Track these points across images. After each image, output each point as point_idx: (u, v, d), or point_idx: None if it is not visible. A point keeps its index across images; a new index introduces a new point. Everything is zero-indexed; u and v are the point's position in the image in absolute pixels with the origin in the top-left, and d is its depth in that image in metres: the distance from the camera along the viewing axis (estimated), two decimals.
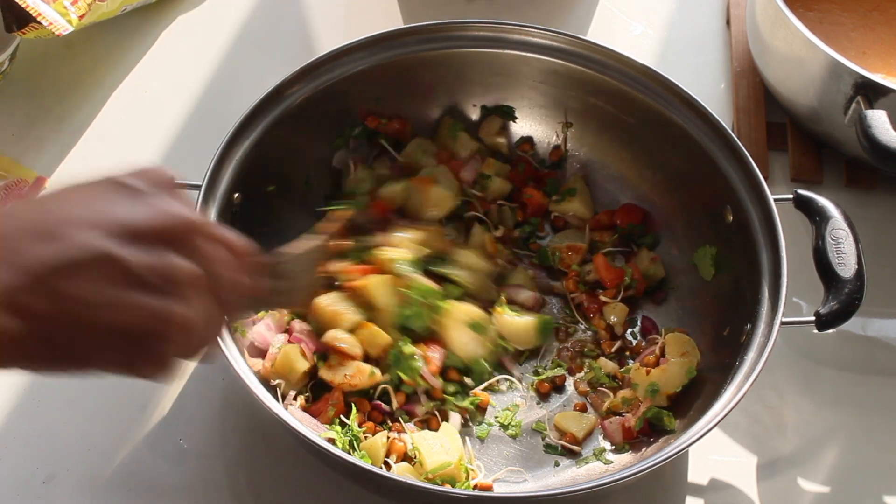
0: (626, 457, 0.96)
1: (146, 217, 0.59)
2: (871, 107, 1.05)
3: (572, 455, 0.98)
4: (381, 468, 0.91)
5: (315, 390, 0.98)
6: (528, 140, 1.15)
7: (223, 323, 0.65)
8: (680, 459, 0.99)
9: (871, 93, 1.06)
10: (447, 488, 0.90)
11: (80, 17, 1.15)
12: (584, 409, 1.01)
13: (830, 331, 1.06)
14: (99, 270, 0.56)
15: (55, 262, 0.56)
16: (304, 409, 0.96)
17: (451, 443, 0.94)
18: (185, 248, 0.60)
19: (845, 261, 0.94)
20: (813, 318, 0.93)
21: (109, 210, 0.59)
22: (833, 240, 0.95)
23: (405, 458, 0.95)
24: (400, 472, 0.92)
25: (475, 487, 0.94)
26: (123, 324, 0.57)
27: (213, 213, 0.95)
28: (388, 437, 0.95)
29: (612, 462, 0.97)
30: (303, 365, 0.96)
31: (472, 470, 0.95)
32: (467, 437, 0.98)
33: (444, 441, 0.94)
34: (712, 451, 1.00)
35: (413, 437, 0.94)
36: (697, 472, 0.99)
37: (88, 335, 0.57)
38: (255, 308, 0.95)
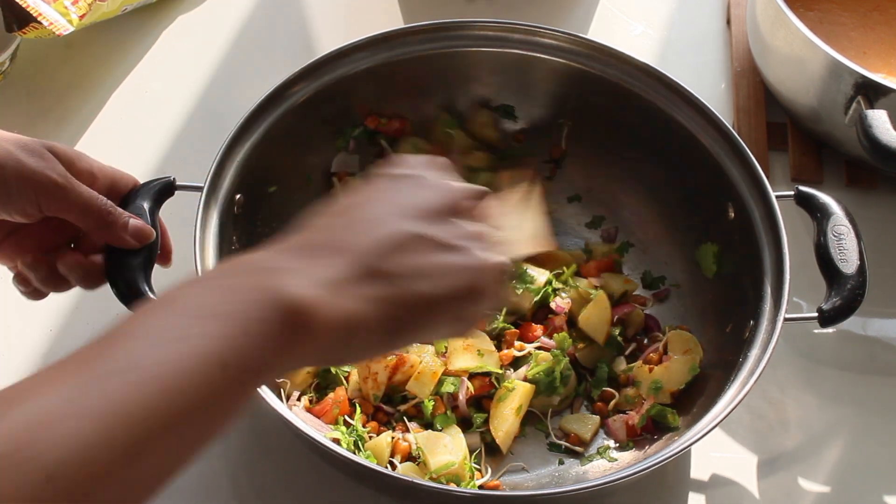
0: (630, 454, 0.96)
1: (434, 198, 0.68)
2: (872, 107, 1.05)
3: (576, 453, 0.99)
4: (386, 468, 0.91)
5: (318, 390, 0.98)
6: (523, 131, 1.15)
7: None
8: (683, 456, 0.99)
9: (871, 93, 1.06)
10: (452, 487, 0.90)
11: (81, 17, 1.15)
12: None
13: (831, 330, 1.07)
14: (417, 248, 0.64)
15: (378, 248, 0.63)
16: (308, 410, 0.96)
17: (454, 443, 0.94)
18: (468, 214, 0.69)
19: (847, 257, 0.94)
20: (816, 315, 0.93)
21: (405, 199, 0.67)
22: (835, 236, 0.95)
23: (409, 458, 0.94)
24: (405, 471, 0.92)
25: (482, 487, 0.94)
26: (454, 284, 0.65)
27: (215, 215, 0.95)
28: (393, 438, 0.95)
29: (615, 459, 0.97)
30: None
31: (478, 471, 0.95)
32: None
33: (448, 441, 0.94)
34: (715, 447, 1.00)
35: (417, 437, 0.94)
36: (700, 469, 0.99)
37: (428, 304, 0.64)
38: None
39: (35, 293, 0.90)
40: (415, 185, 0.69)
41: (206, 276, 0.58)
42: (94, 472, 0.48)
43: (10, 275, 0.91)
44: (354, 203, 0.67)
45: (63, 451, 0.48)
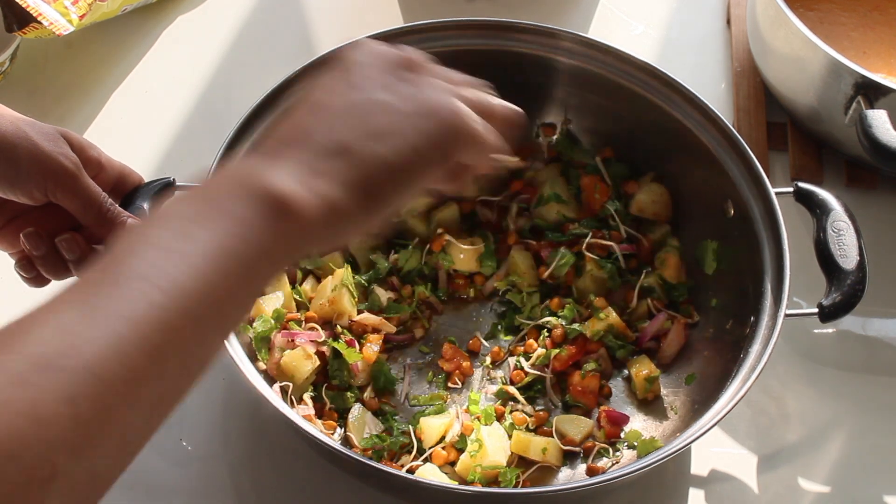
0: (631, 452, 0.96)
1: (400, 54, 0.70)
2: (872, 106, 1.05)
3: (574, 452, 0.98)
4: (395, 468, 0.91)
5: (318, 391, 0.98)
6: (549, 125, 1.14)
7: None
8: (683, 452, 0.98)
9: (871, 93, 1.06)
10: (453, 485, 0.90)
11: (81, 17, 1.15)
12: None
13: (831, 330, 1.07)
14: (367, 108, 0.65)
15: (333, 124, 0.64)
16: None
17: (504, 448, 0.94)
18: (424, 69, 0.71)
19: (847, 252, 0.94)
20: (816, 311, 0.93)
21: (352, 77, 0.68)
22: (834, 232, 0.95)
23: (455, 443, 0.95)
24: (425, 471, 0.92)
25: (518, 484, 0.93)
26: (414, 133, 0.65)
27: None
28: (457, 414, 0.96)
29: (619, 454, 0.96)
30: (309, 367, 0.96)
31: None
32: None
33: (506, 445, 0.94)
34: (715, 443, 1.00)
35: (480, 429, 0.94)
36: (700, 465, 0.99)
37: (391, 166, 0.64)
38: None
39: (37, 279, 0.90)
40: (361, 59, 0.69)
41: (188, 193, 0.60)
42: (132, 367, 0.50)
43: (9, 279, 0.91)
44: (312, 97, 0.68)
45: (92, 359, 0.49)
